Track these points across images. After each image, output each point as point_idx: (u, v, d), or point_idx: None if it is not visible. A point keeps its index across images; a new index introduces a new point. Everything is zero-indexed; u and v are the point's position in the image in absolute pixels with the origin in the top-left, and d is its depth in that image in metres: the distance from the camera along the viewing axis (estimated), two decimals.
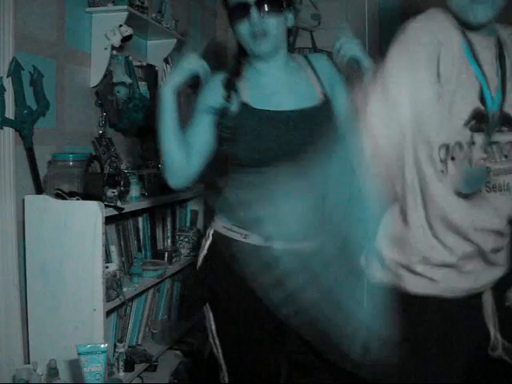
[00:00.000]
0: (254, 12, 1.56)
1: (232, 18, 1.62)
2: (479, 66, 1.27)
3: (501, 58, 1.30)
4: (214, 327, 1.65)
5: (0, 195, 1.80)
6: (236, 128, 1.58)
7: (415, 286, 1.35)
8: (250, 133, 1.57)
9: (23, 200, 1.90)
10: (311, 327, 1.58)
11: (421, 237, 1.32)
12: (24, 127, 1.88)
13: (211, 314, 1.65)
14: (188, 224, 2.91)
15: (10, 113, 1.82)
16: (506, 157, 1.30)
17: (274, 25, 1.58)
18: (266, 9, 1.57)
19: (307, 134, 1.58)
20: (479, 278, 1.35)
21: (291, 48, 2.01)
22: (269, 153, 1.56)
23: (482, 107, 1.26)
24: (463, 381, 1.35)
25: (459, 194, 1.29)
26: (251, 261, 1.58)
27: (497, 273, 1.37)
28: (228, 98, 1.62)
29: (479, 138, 1.27)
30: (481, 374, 1.40)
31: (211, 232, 1.69)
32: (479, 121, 1.26)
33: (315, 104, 1.62)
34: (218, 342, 1.64)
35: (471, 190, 1.29)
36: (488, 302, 1.37)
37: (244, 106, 1.60)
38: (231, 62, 1.74)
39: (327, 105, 1.64)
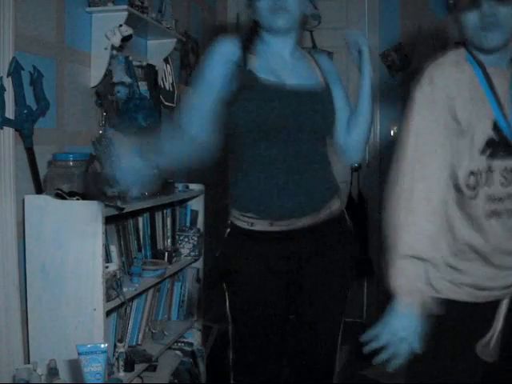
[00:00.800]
0: None
1: None
2: (494, 94, 1.30)
3: None
4: (228, 302, 1.71)
5: (0, 195, 1.80)
6: (241, 96, 1.59)
7: (438, 290, 1.35)
8: (254, 107, 1.58)
9: (23, 200, 1.90)
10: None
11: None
12: (24, 127, 1.88)
13: (226, 287, 1.70)
14: (188, 224, 2.91)
15: (10, 113, 1.82)
16: None
17: (293, 1, 1.61)
18: None
19: (311, 113, 1.62)
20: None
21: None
22: (274, 126, 1.58)
23: (497, 135, 1.28)
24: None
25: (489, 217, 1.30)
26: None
27: None
28: (244, 63, 1.63)
29: (498, 165, 1.29)
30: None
31: (228, 222, 1.71)
32: (495, 148, 1.29)
33: (318, 88, 1.69)
34: (229, 315, 1.70)
35: None
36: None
37: (252, 77, 1.61)
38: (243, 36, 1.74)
39: (328, 91, 1.71)
